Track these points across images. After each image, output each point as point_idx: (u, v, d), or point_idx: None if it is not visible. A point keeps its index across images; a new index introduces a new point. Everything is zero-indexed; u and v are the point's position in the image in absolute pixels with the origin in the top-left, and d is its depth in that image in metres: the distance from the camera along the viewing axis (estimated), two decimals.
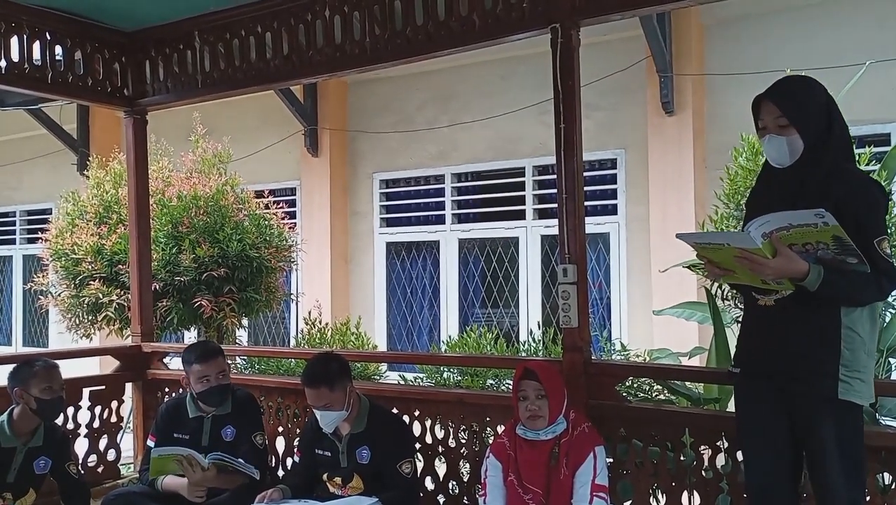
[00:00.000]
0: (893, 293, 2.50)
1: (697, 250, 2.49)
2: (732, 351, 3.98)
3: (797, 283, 2.30)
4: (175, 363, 5.36)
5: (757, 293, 2.48)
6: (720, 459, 3.09)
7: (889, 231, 2.60)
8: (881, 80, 5.67)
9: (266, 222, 6.57)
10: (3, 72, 4.19)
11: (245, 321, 7.02)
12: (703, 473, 3.13)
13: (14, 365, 3.58)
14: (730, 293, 4.31)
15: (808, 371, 2.37)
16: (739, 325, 2.75)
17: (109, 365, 5.00)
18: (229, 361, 4.08)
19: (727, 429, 3.03)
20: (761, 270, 2.30)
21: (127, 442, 5.17)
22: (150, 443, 3.82)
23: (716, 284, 4.25)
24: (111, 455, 4.75)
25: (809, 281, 2.27)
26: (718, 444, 3.07)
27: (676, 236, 2.55)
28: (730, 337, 4.19)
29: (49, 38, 4.36)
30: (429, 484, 3.83)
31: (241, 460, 3.53)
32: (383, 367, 6.40)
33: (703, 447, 3.13)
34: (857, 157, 4.08)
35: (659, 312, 5.14)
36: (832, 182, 2.36)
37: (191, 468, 3.47)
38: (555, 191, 3.46)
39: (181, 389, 4.03)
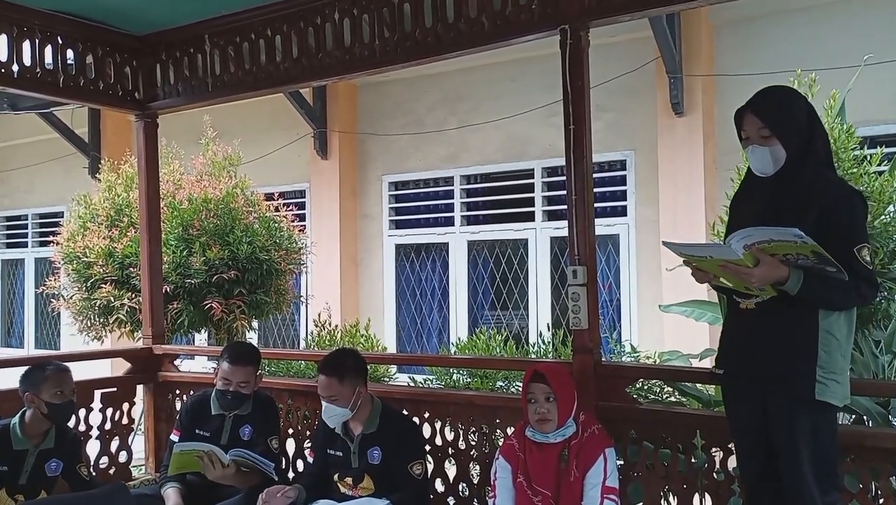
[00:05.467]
0: None
1: (683, 258, 2.56)
2: None
3: (779, 287, 2.38)
4: (186, 365, 5.39)
5: (738, 296, 2.56)
6: (732, 462, 3.07)
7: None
8: (892, 80, 5.63)
9: (276, 225, 6.59)
10: (16, 76, 4.21)
11: (255, 323, 7.03)
12: (714, 475, 3.12)
13: (26, 368, 3.60)
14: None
15: (785, 372, 2.44)
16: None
17: (121, 367, 5.02)
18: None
19: None
20: (746, 279, 2.39)
21: (138, 444, 5.19)
22: (174, 437, 3.89)
23: None
24: (122, 457, 4.76)
25: (790, 285, 2.36)
26: (730, 446, 3.05)
27: (663, 243, 2.64)
28: None
29: (61, 42, 4.38)
30: (439, 486, 3.83)
31: (260, 458, 3.57)
32: (393, 369, 6.40)
33: (714, 449, 3.12)
34: (868, 158, 4.08)
35: (665, 308, 5.11)
36: (815, 191, 2.43)
37: (211, 465, 3.51)
38: (564, 192, 3.46)
39: (192, 392, 4.05)
